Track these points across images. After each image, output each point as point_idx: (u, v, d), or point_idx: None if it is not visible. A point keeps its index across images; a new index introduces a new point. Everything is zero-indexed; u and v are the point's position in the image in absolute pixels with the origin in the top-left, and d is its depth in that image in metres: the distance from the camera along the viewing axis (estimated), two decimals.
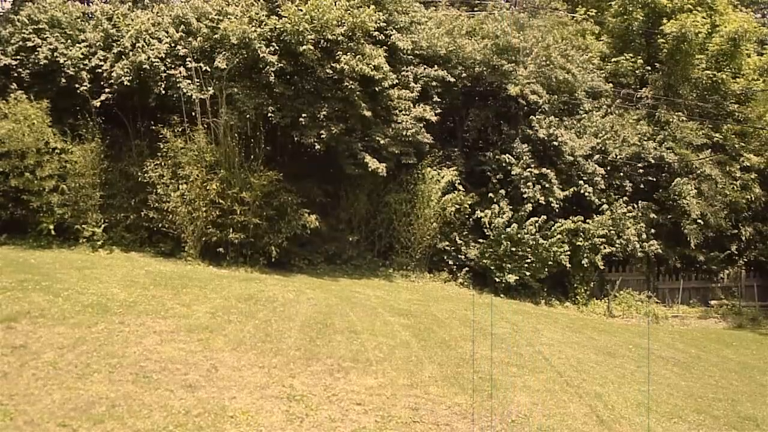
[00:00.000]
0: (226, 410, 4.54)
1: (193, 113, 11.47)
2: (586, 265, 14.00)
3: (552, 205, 13.63)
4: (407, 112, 12.54)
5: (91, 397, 4.43)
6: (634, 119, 16.02)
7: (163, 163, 11.27)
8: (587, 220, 14.02)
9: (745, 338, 13.04)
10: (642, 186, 15.39)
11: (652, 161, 15.33)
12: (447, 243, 13.62)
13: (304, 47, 11.08)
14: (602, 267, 14.46)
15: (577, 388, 6.55)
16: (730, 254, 16.57)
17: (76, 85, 11.10)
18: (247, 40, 11.09)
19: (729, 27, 16.95)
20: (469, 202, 13.58)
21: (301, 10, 11.29)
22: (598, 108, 15.90)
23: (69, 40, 11.35)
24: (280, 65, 11.37)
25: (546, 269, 13.56)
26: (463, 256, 13.65)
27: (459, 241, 13.64)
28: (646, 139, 15.49)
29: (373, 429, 4.54)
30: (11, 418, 3.96)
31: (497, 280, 13.27)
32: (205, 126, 11.52)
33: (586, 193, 14.16)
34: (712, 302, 16.29)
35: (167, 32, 11.54)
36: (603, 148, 14.78)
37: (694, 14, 16.54)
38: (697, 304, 16.08)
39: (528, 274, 13.42)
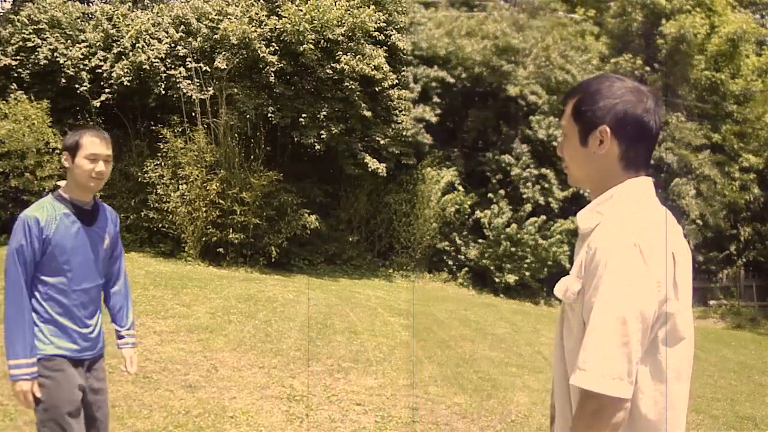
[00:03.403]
0: (226, 410, 4.55)
1: (193, 113, 11.48)
2: None
3: (552, 205, 13.65)
4: (407, 113, 12.57)
5: None
6: None
7: (163, 164, 11.28)
8: None
9: (744, 338, 13.05)
10: None
11: (651, 162, 15.36)
12: (447, 243, 13.64)
13: (305, 47, 11.10)
14: None
15: None
16: (729, 254, 16.62)
17: (76, 86, 11.11)
18: (247, 40, 11.11)
19: (728, 28, 16.99)
20: (469, 203, 13.61)
21: (302, 10, 11.30)
22: None
23: (69, 41, 11.36)
24: (280, 65, 11.39)
25: (546, 269, 13.58)
26: (462, 257, 13.67)
27: (459, 242, 13.66)
28: None
29: (373, 429, 4.55)
30: (11, 418, 3.96)
31: (497, 280, 13.29)
32: (205, 126, 11.53)
33: (586, 193, 14.16)
34: (711, 302, 16.32)
35: (167, 32, 11.55)
36: None
37: (693, 15, 16.57)
38: (696, 305, 16.11)
39: (528, 274, 13.44)
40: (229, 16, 11.43)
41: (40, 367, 2.36)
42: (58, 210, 2.42)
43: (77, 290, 2.46)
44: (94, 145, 2.42)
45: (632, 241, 1.29)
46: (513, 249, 13.27)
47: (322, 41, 11.47)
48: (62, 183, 2.56)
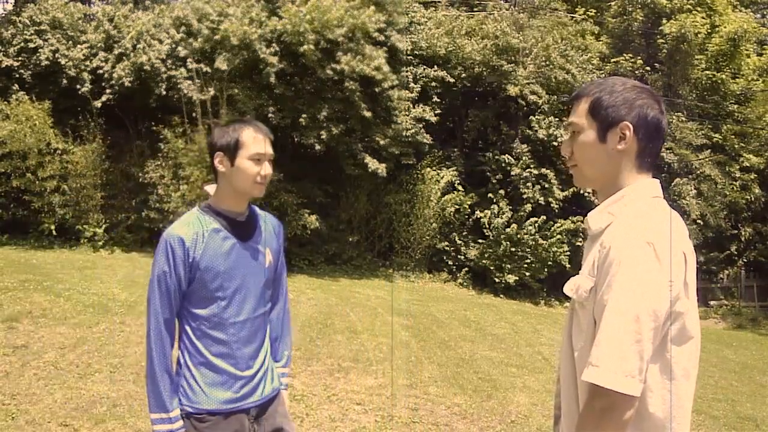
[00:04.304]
0: None
1: (194, 114, 11.51)
2: None
3: (552, 205, 13.66)
4: (407, 113, 12.58)
5: (93, 397, 4.46)
6: None
7: (163, 164, 11.31)
8: None
9: (744, 339, 13.06)
10: None
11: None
12: (446, 243, 13.65)
13: (305, 48, 11.12)
14: None
15: None
16: (730, 255, 16.62)
17: (78, 86, 11.15)
18: (247, 41, 11.13)
19: (728, 27, 17.00)
20: (469, 203, 13.61)
21: (302, 11, 11.32)
22: None
23: (70, 42, 11.40)
24: (280, 66, 11.40)
25: (546, 269, 13.58)
26: (462, 257, 13.68)
27: (458, 242, 13.67)
28: None
29: (373, 429, 4.56)
30: (13, 417, 3.98)
31: (497, 280, 13.30)
32: (206, 127, 11.55)
33: (586, 194, 14.19)
34: (712, 303, 16.31)
35: (168, 33, 11.58)
36: None
37: (693, 14, 16.58)
38: (697, 305, 16.11)
39: (528, 274, 13.45)
40: (229, 17, 11.45)
41: (192, 423, 1.93)
42: (206, 225, 2.00)
43: (236, 323, 1.99)
44: (258, 142, 2.02)
45: (646, 240, 1.30)
46: (513, 249, 13.27)
47: (323, 42, 11.48)
48: (210, 188, 2.14)
